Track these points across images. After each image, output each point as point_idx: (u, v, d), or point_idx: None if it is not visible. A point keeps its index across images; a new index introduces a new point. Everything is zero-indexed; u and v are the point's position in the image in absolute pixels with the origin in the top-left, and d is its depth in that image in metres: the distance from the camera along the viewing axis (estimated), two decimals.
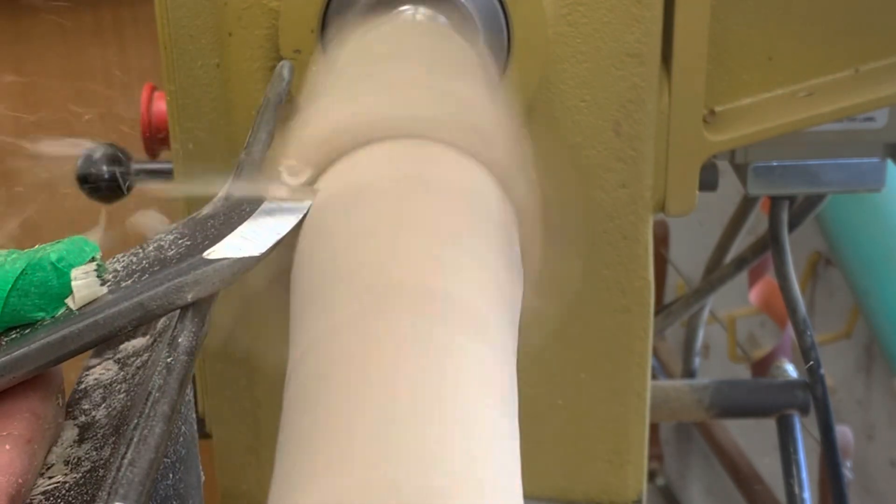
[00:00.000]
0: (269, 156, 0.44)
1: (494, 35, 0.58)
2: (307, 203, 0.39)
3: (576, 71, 0.61)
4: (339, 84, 0.47)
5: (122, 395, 0.38)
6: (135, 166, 0.81)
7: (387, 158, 0.41)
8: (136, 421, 0.32)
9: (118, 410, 0.37)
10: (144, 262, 0.37)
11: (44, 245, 0.36)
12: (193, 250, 0.36)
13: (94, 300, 0.35)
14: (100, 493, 0.31)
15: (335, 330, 0.34)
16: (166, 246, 0.38)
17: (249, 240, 0.37)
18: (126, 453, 0.30)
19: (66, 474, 0.35)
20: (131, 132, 0.75)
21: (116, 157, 0.80)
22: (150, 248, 0.38)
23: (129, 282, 0.36)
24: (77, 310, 0.35)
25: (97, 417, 0.37)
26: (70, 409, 0.38)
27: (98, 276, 0.36)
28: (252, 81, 0.61)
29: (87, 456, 0.35)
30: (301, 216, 0.39)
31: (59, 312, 0.35)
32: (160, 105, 0.75)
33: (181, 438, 0.38)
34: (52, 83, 1.23)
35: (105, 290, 0.36)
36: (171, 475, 0.37)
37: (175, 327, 0.35)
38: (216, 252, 0.36)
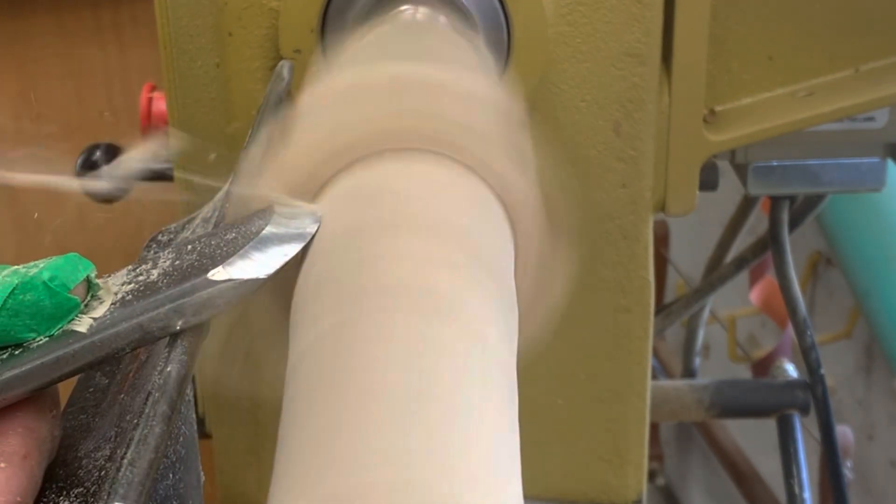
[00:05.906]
0: (270, 157, 0.44)
1: (494, 35, 0.58)
2: (315, 226, 0.38)
3: (576, 71, 0.61)
4: (338, 91, 0.47)
5: (122, 396, 0.38)
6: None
7: (385, 172, 0.41)
8: (136, 421, 0.31)
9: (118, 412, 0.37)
10: (143, 279, 0.36)
11: (37, 262, 0.34)
12: (197, 270, 0.35)
13: (93, 320, 0.34)
14: (100, 494, 0.31)
15: (335, 330, 0.34)
16: (167, 264, 0.36)
17: (255, 261, 0.35)
18: (126, 453, 0.30)
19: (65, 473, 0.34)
20: (131, 132, 0.75)
21: (116, 158, 0.81)
22: (149, 265, 0.37)
23: (127, 300, 0.35)
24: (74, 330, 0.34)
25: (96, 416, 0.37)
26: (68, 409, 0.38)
27: (92, 296, 0.35)
28: (252, 81, 0.61)
29: (87, 456, 0.35)
30: (308, 239, 0.38)
31: (53, 332, 0.34)
32: (160, 105, 0.75)
33: (181, 438, 0.38)
34: (52, 83, 1.23)
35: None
36: (171, 475, 0.37)
37: None
38: (221, 273, 0.34)
